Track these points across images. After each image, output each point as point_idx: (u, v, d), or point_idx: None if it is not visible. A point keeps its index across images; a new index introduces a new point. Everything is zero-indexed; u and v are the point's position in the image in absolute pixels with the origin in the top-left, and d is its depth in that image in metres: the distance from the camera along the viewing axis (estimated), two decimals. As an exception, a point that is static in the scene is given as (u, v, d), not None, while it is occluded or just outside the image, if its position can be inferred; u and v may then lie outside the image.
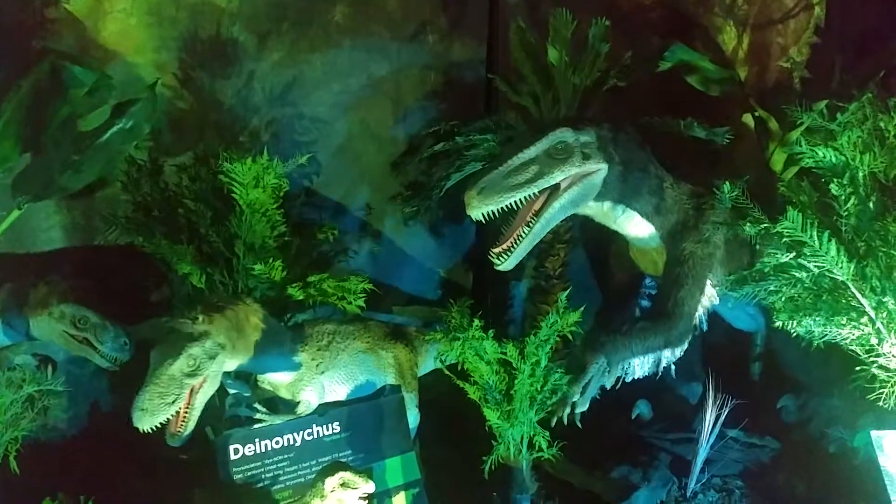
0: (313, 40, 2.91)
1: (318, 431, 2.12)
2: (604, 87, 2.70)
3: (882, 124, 2.01)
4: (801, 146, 2.03)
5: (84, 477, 2.14)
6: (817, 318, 1.88)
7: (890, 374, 1.90)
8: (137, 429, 1.82)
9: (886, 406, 1.89)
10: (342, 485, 1.79)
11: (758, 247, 2.26)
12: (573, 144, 2.07)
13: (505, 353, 2.10)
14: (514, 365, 2.09)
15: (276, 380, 2.20)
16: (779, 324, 1.95)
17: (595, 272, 3.07)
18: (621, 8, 2.95)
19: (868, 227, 1.91)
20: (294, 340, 2.22)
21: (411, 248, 3.16)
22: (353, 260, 2.94)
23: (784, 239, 1.86)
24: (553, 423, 2.11)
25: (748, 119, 2.81)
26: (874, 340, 1.89)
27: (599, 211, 2.27)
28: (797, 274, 1.91)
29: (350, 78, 2.98)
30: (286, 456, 2.06)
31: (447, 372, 2.18)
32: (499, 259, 2.07)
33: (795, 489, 2.34)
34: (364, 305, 2.40)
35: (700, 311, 2.30)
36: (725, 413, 2.28)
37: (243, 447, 2.03)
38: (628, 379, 2.20)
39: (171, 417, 1.83)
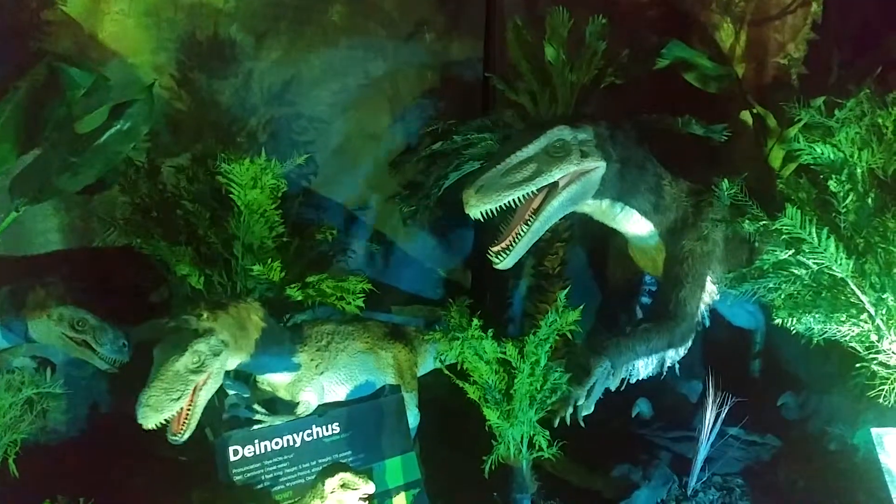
0: (311, 40, 2.91)
1: (317, 432, 2.12)
2: (601, 85, 2.69)
3: (880, 120, 2.00)
4: (799, 143, 2.02)
5: (83, 479, 2.14)
6: (817, 315, 1.88)
7: (890, 371, 1.89)
8: (138, 430, 1.81)
9: (887, 403, 1.89)
10: (342, 486, 1.79)
11: (757, 244, 2.26)
12: (571, 142, 2.07)
13: (504, 353, 2.09)
14: (514, 364, 2.09)
15: (276, 380, 2.20)
16: (778, 321, 1.95)
17: (594, 270, 3.06)
18: (618, 5, 2.95)
19: (867, 224, 1.90)
20: (293, 341, 2.21)
21: (410, 247, 3.15)
22: (351, 260, 2.94)
23: (783, 236, 1.86)
24: (556, 424, 2.10)
25: (746, 116, 2.81)
26: (874, 337, 1.89)
27: (598, 209, 2.27)
28: (796, 271, 1.91)
29: (347, 77, 2.97)
30: (286, 457, 2.06)
31: (447, 372, 2.17)
32: (497, 258, 2.07)
33: (796, 487, 2.34)
34: (363, 305, 2.40)
35: (702, 308, 2.30)
36: (726, 411, 2.27)
37: (243, 448, 2.03)
38: (633, 380, 2.20)
39: (175, 415, 1.82)
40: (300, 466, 2.06)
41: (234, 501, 1.97)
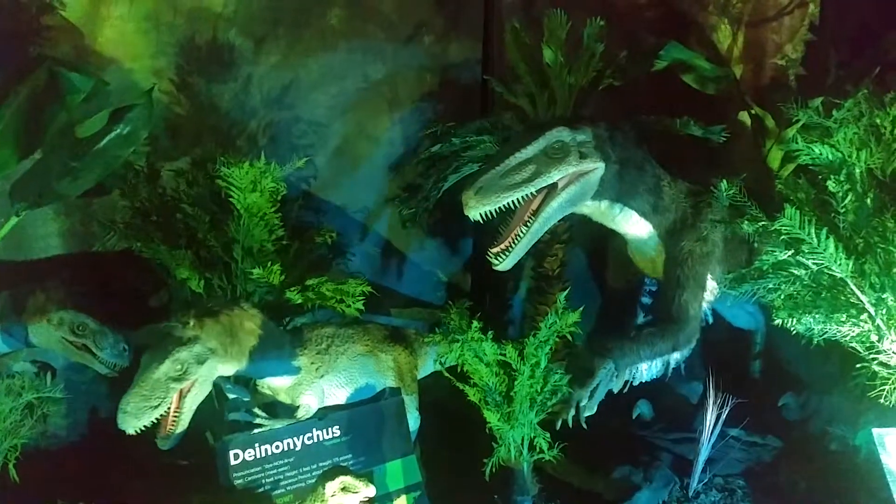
0: (309, 43, 2.91)
1: (318, 435, 2.11)
2: (599, 87, 2.70)
3: (878, 120, 2.01)
4: (797, 143, 2.03)
5: (83, 483, 2.13)
6: (817, 316, 1.88)
7: (890, 371, 1.89)
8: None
9: (888, 403, 1.88)
10: (343, 489, 1.78)
11: (756, 245, 2.26)
12: (570, 143, 2.07)
13: (504, 355, 2.09)
14: (514, 366, 2.09)
15: (276, 384, 2.20)
16: (778, 322, 1.95)
17: (594, 272, 3.06)
18: (616, 7, 2.96)
19: (866, 224, 1.90)
20: (293, 344, 2.21)
21: (409, 250, 3.15)
22: (350, 263, 2.94)
23: (782, 236, 1.86)
24: (558, 426, 2.09)
25: (744, 117, 2.81)
26: (874, 337, 1.88)
27: (597, 210, 2.27)
28: (796, 271, 1.91)
29: (346, 80, 2.98)
30: (286, 460, 2.05)
31: (447, 374, 2.17)
32: (497, 259, 2.07)
33: (798, 487, 2.33)
34: (363, 308, 2.40)
35: (704, 307, 2.30)
36: (726, 412, 2.27)
37: (243, 452, 2.02)
38: (636, 382, 2.20)
39: (155, 420, 1.85)
40: (301, 470, 2.06)
41: (235, 505, 1.97)
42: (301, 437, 2.09)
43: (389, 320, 2.67)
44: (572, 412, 2.10)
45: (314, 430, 2.12)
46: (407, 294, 3.14)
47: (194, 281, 2.34)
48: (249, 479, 2.01)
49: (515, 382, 2.09)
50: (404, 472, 2.14)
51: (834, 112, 2.07)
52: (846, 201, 1.90)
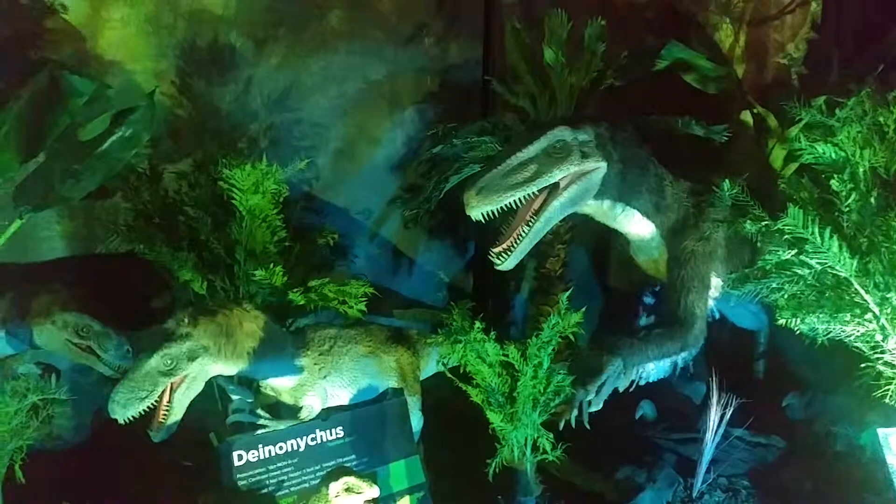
0: (309, 45, 2.92)
1: (321, 436, 2.12)
2: (600, 87, 2.69)
3: (881, 119, 2.00)
4: (800, 143, 2.02)
5: (88, 485, 2.14)
6: (821, 316, 1.87)
7: (895, 371, 1.88)
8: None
9: (892, 403, 1.88)
10: (346, 489, 1.78)
11: (759, 244, 2.25)
12: (571, 143, 2.07)
13: (507, 356, 2.09)
14: (517, 367, 2.09)
15: (279, 385, 2.20)
16: (782, 321, 1.94)
17: (596, 272, 3.06)
18: (617, 7, 2.95)
19: (870, 223, 1.90)
20: (295, 345, 2.21)
21: (411, 251, 3.15)
22: (353, 264, 2.94)
23: (785, 236, 1.85)
24: (561, 426, 2.09)
25: (746, 116, 2.80)
26: (879, 337, 1.88)
27: (599, 209, 2.26)
28: (799, 271, 1.90)
29: (347, 82, 2.99)
30: (290, 461, 2.06)
31: (449, 375, 2.17)
32: (499, 259, 2.07)
33: (802, 488, 2.32)
34: (365, 309, 2.40)
35: (710, 305, 2.29)
36: (730, 412, 2.26)
37: (247, 453, 2.03)
38: (643, 382, 2.20)
39: (144, 412, 1.88)
40: (304, 471, 2.06)
41: (239, 507, 1.97)
42: (304, 438, 2.10)
43: (391, 321, 2.67)
44: (575, 412, 2.09)
45: (317, 430, 2.12)
46: (408, 295, 3.14)
47: (197, 283, 2.35)
48: (253, 480, 2.01)
49: (518, 383, 2.08)
50: (408, 473, 2.14)
51: (837, 111, 2.06)
52: (850, 200, 1.90)
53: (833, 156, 1.96)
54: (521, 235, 2.06)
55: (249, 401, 2.21)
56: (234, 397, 2.22)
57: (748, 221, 1.99)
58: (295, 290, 2.37)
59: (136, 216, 2.53)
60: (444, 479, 2.26)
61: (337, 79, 2.96)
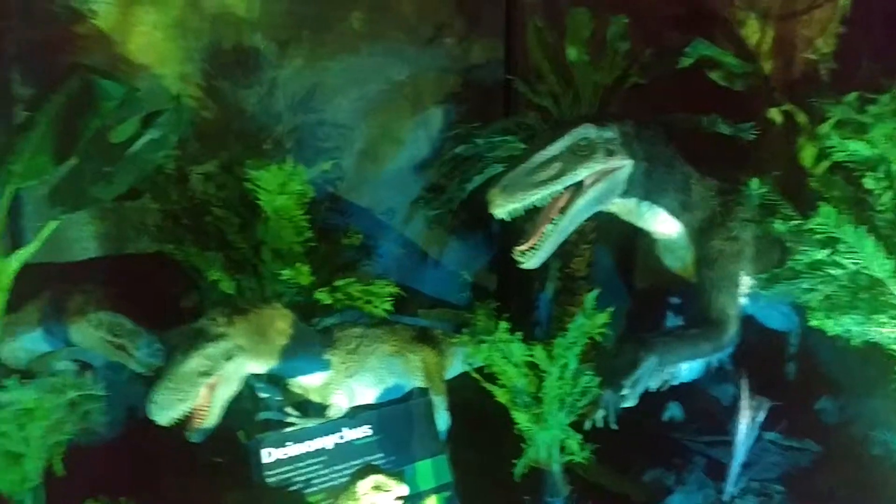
0: (332, 47, 2.94)
1: (348, 435, 2.13)
2: (624, 85, 2.67)
3: (917, 115, 1.96)
4: (832, 140, 1.99)
5: (122, 480, 2.18)
6: (855, 317, 1.84)
7: (933, 373, 1.84)
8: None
9: (930, 406, 1.83)
10: (375, 488, 1.79)
11: (788, 244, 2.22)
12: (596, 141, 2.06)
13: (532, 356, 2.08)
14: (543, 368, 2.08)
15: (307, 383, 2.22)
16: (815, 323, 1.91)
17: (622, 272, 3.03)
18: (640, 4, 2.92)
19: (906, 222, 1.86)
20: (323, 344, 2.24)
21: (435, 251, 3.16)
22: (377, 264, 2.96)
23: (817, 235, 1.82)
24: (587, 426, 2.08)
25: (774, 113, 2.76)
26: (915, 339, 1.84)
27: (625, 208, 2.25)
28: (832, 271, 1.87)
29: (369, 83, 3.00)
30: (318, 459, 2.08)
31: (475, 375, 2.17)
32: (523, 257, 2.06)
33: (837, 493, 2.26)
34: (391, 309, 2.41)
35: (741, 303, 2.26)
36: (762, 415, 2.23)
37: (276, 450, 2.05)
38: (675, 382, 2.18)
39: (184, 413, 1.89)
40: (333, 469, 2.07)
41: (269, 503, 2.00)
42: (332, 436, 2.11)
43: (416, 321, 2.68)
44: (601, 413, 2.08)
45: (345, 429, 2.14)
46: (432, 295, 3.15)
47: (225, 283, 2.38)
48: (282, 477, 2.03)
49: (544, 384, 2.08)
50: (434, 473, 2.15)
51: (869, 107, 2.02)
52: (884, 199, 1.86)
53: (866, 153, 1.91)
54: (546, 234, 2.06)
55: (278, 399, 2.24)
56: (263, 395, 2.24)
57: (778, 221, 1.96)
58: (321, 289, 2.39)
59: (164, 217, 2.57)
60: (470, 478, 2.26)
61: (359, 80, 2.99)
